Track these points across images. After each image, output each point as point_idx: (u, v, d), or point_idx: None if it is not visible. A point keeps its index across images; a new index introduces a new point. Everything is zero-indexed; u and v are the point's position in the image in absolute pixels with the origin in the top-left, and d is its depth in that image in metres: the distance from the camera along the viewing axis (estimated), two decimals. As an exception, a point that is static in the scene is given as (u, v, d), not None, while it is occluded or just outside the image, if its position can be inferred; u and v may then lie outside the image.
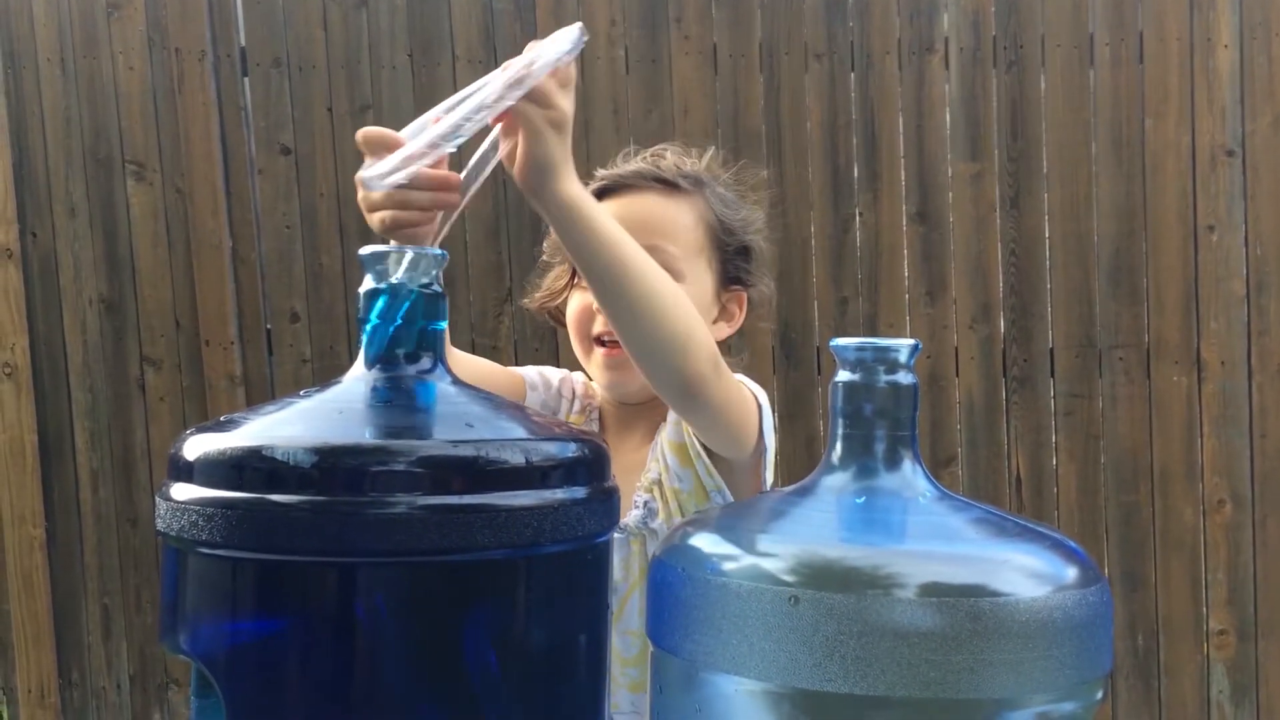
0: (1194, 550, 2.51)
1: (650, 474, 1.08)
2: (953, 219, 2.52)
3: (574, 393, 1.18)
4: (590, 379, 1.19)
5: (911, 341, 0.58)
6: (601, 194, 1.11)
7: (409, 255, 0.59)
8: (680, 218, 1.10)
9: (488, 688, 0.54)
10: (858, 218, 2.54)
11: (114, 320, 2.69)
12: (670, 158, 1.15)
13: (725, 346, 1.17)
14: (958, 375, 2.53)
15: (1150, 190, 2.49)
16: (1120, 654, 2.53)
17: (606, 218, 0.87)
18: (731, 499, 1.07)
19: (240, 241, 2.64)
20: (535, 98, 0.81)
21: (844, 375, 0.58)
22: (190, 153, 2.63)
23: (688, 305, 0.90)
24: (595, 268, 0.87)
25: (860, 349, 0.58)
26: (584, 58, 2.60)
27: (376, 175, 0.82)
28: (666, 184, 1.11)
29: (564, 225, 0.85)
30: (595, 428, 1.15)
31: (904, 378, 0.57)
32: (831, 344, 0.58)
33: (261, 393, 2.64)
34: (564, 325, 1.15)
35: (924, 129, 2.52)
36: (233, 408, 2.56)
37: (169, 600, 0.55)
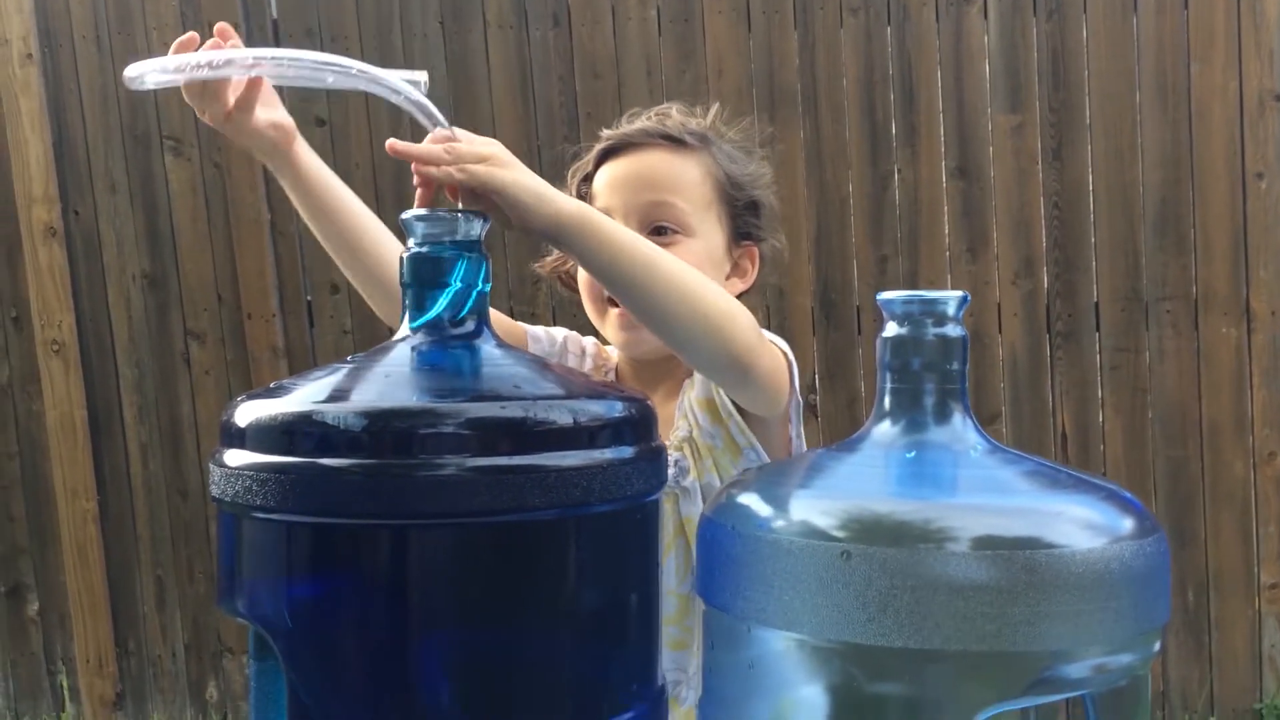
0: (1244, 503, 2.48)
1: (680, 432, 1.08)
2: (994, 173, 2.49)
3: (583, 351, 1.18)
4: (602, 344, 1.19)
5: (960, 293, 0.57)
6: (607, 154, 1.11)
7: (452, 218, 0.58)
8: (687, 173, 1.09)
9: (542, 646, 0.54)
10: (896, 174, 2.50)
11: (157, 295, 2.72)
12: (675, 116, 1.14)
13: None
14: (1001, 332, 2.50)
15: (1197, 138, 2.43)
16: (1171, 609, 2.50)
17: (611, 225, 0.86)
18: (764, 454, 1.07)
19: (278, 215, 2.66)
20: (454, 159, 0.80)
21: (891, 329, 0.57)
22: (227, 127, 2.63)
23: (714, 286, 0.89)
24: (613, 276, 0.86)
25: (908, 302, 0.57)
26: (616, 18, 2.59)
27: (136, 74, 0.83)
28: (673, 140, 1.10)
29: (570, 244, 0.85)
30: None
31: (952, 330, 0.57)
32: (879, 297, 0.57)
33: (304, 364, 2.66)
34: (575, 290, 1.15)
35: (963, 81, 2.48)
36: (276, 379, 2.58)
37: (226, 565, 0.56)
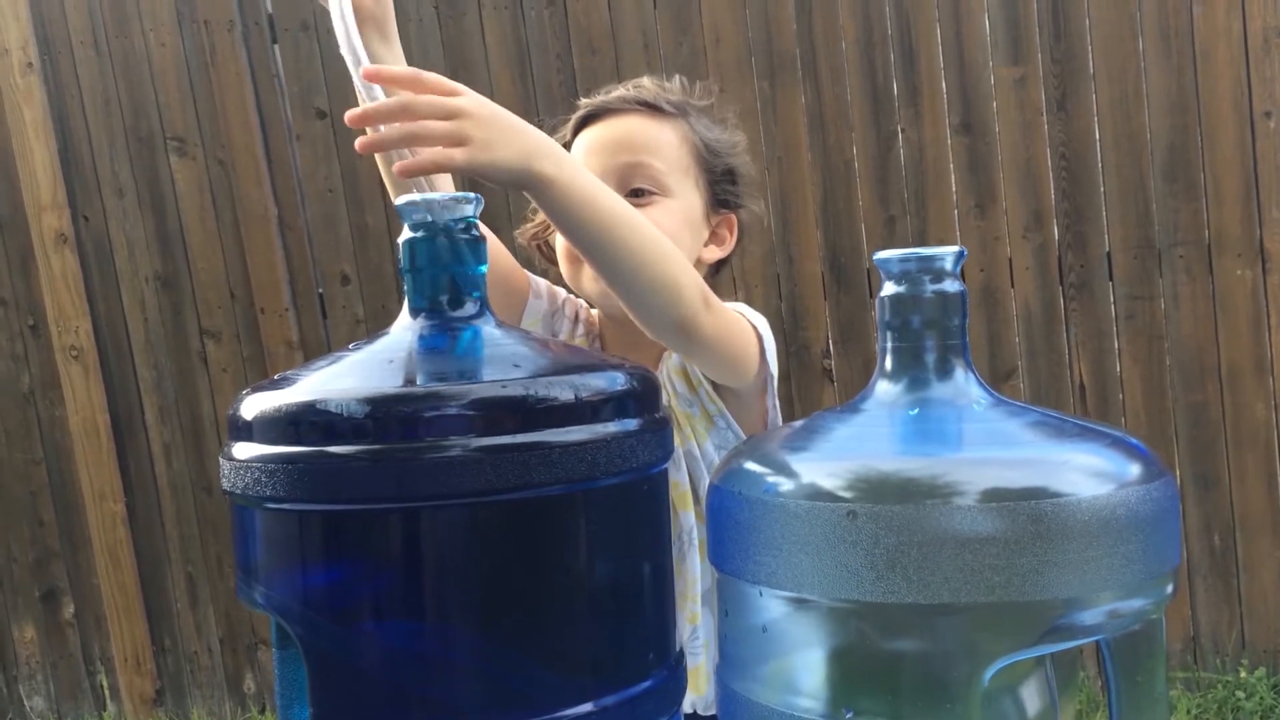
0: (1268, 445, 2.47)
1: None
2: (998, 127, 2.47)
3: (577, 316, 1.19)
4: (591, 307, 1.19)
5: (956, 248, 0.57)
6: (585, 121, 1.12)
7: (445, 200, 0.59)
8: (664, 136, 1.10)
9: (557, 621, 0.55)
10: (900, 135, 2.49)
11: (171, 296, 2.74)
12: (649, 85, 1.15)
13: (716, 281, 1.17)
14: (1013, 286, 2.49)
15: (1202, 80, 2.41)
16: (1197, 553, 2.50)
17: (582, 178, 0.86)
18: (736, 425, 1.08)
19: (285, 209, 2.67)
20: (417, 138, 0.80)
21: (890, 288, 0.57)
22: (228, 124, 2.65)
23: (671, 249, 0.90)
24: (577, 231, 0.87)
25: (904, 260, 0.57)
26: (611, -6, 2.58)
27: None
28: (650, 106, 1.11)
29: (542, 202, 0.86)
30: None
31: (950, 285, 0.57)
32: (875, 257, 0.57)
33: (318, 355, 2.67)
34: (555, 262, 1.16)
35: (963, 36, 2.46)
36: (293, 373, 2.60)
37: (241, 557, 0.57)
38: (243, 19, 2.61)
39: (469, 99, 0.82)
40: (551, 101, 2.53)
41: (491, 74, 2.55)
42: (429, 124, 0.80)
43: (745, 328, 1.01)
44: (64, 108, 2.70)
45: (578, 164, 0.89)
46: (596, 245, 0.87)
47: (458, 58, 2.55)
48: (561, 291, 1.20)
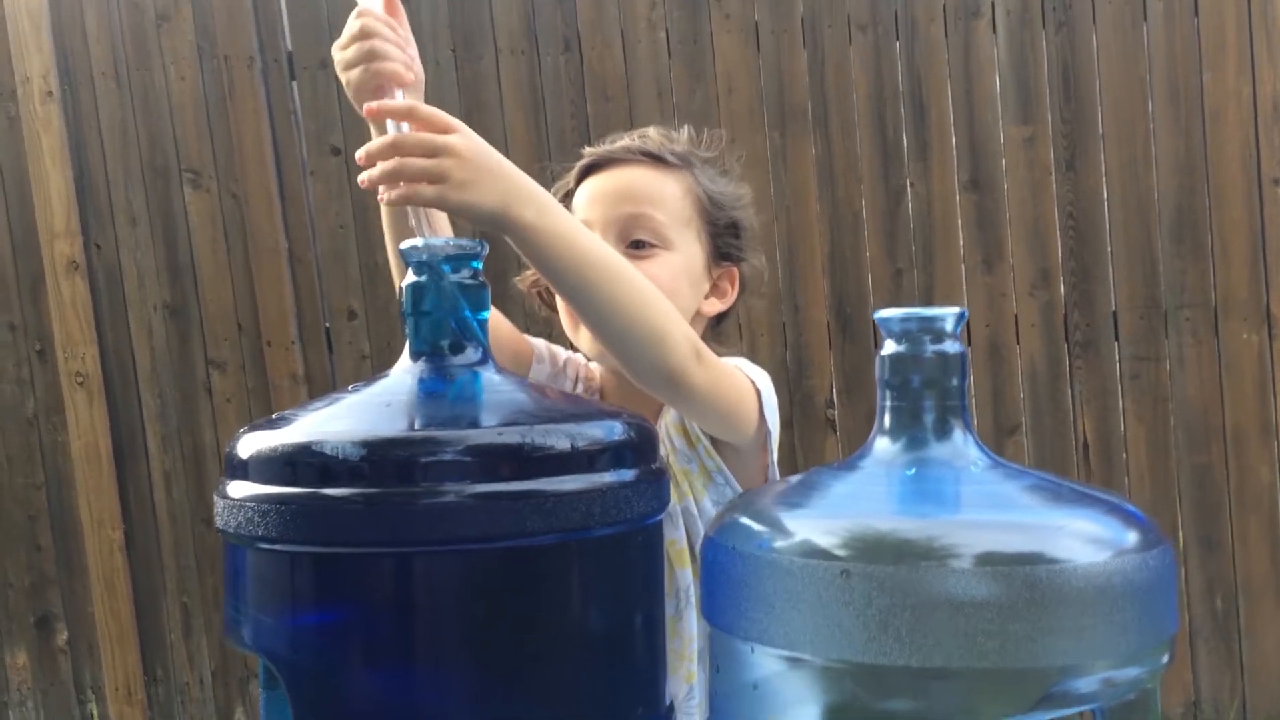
0: (1272, 509, 2.45)
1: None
2: (1007, 184, 2.48)
3: (578, 375, 1.18)
4: (589, 362, 1.19)
5: (957, 309, 0.57)
6: (589, 169, 1.12)
7: (449, 245, 0.59)
8: (667, 188, 1.10)
9: (547, 671, 0.55)
10: (909, 188, 2.50)
11: (179, 325, 2.75)
12: (655, 136, 1.15)
13: (717, 333, 1.17)
14: (1019, 343, 2.49)
15: (1211, 144, 2.42)
16: (1199, 617, 2.48)
17: (565, 225, 0.87)
18: (734, 482, 1.07)
19: (296, 243, 2.68)
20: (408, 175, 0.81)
21: (890, 347, 0.57)
22: (244, 158, 2.67)
23: (659, 299, 0.90)
24: (559, 279, 0.87)
25: (905, 320, 0.57)
26: (626, 41, 2.61)
27: None
28: (654, 158, 1.11)
29: (522, 248, 0.86)
30: None
31: (951, 346, 0.57)
32: (875, 316, 0.57)
33: (323, 390, 2.68)
34: (554, 309, 1.15)
35: (973, 95, 2.48)
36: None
37: (232, 596, 0.57)
38: (263, 56, 2.65)
39: (458, 137, 0.83)
40: (564, 146, 2.55)
41: (506, 117, 2.57)
42: (411, 161, 0.81)
43: (742, 383, 1.00)
44: (82, 137, 2.73)
45: (563, 211, 0.89)
46: (579, 293, 0.87)
47: (473, 99, 2.57)
48: (562, 351, 1.20)
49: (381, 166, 0.82)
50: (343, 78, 0.93)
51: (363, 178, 0.84)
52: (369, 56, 0.90)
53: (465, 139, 0.83)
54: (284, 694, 0.54)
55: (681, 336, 0.90)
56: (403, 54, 0.92)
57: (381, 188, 0.83)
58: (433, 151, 0.81)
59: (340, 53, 0.92)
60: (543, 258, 0.85)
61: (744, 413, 1.00)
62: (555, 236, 0.85)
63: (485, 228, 0.83)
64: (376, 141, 0.83)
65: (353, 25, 0.91)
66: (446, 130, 0.83)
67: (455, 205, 0.81)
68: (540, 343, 1.19)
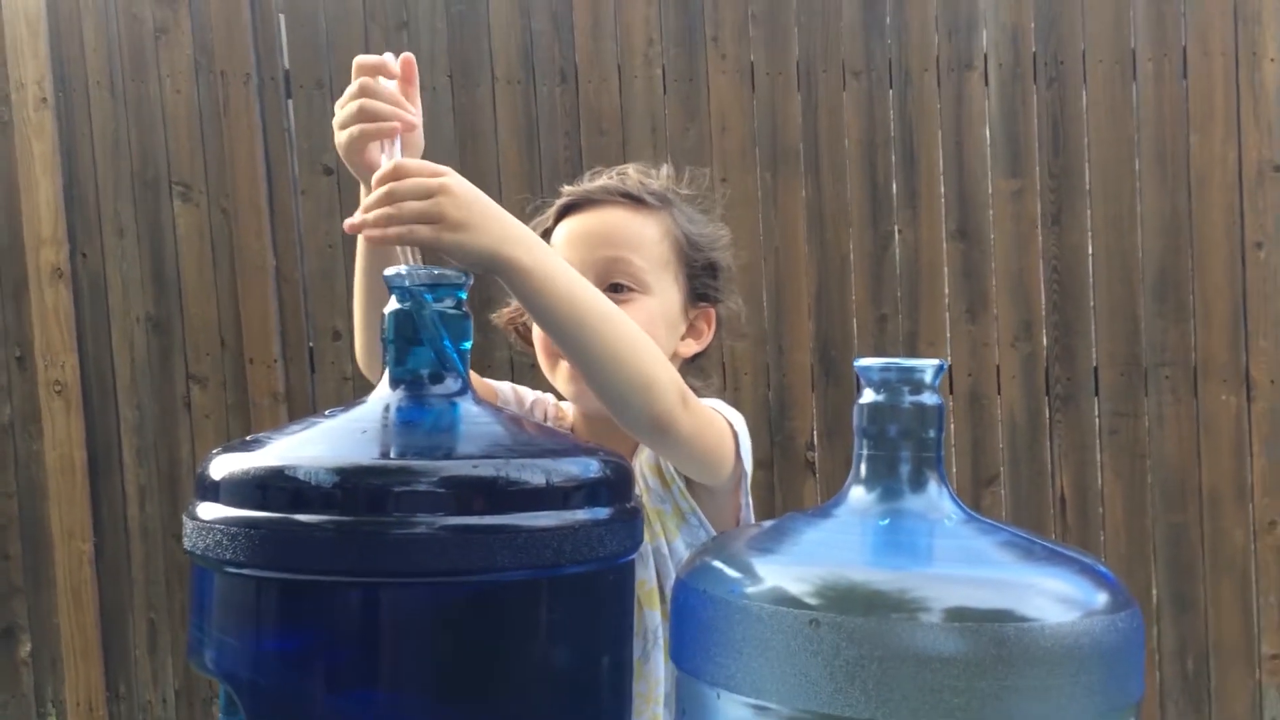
0: (1244, 572, 2.46)
1: None
2: (993, 236, 2.50)
3: (545, 415, 1.18)
4: (559, 402, 1.19)
5: (936, 362, 0.57)
6: (568, 209, 1.12)
7: (432, 275, 0.59)
8: (646, 231, 1.10)
9: (510, 709, 0.54)
10: (897, 235, 2.52)
11: (161, 339, 2.73)
12: (634, 175, 1.15)
13: (695, 368, 1.17)
14: (1000, 393, 2.50)
15: (1196, 206, 2.45)
16: (1170, 678, 2.48)
17: (556, 269, 0.87)
18: (708, 523, 1.07)
19: (283, 261, 2.68)
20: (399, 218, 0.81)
21: (868, 396, 0.58)
22: (235, 174, 2.67)
23: (648, 345, 0.90)
24: (548, 323, 0.87)
25: (885, 369, 0.57)
26: (623, 76, 2.63)
27: None
28: (632, 199, 1.11)
29: (514, 289, 0.86)
30: None
31: (929, 398, 0.57)
32: (856, 364, 0.58)
33: (304, 410, 2.66)
34: (530, 345, 1.15)
35: (964, 146, 2.50)
36: (276, 425, 2.58)
37: (196, 618, 0.56)
38: (259, 73, 2.65)
39: (450, 179, 0.83)
40: (557, 178, 2.56)
41: (500, 146, 2.58)
42: (407, 205, 0.81)
43: (722, 425, 1.01)
44: (73, 145, 2.72)
45: (554, 255, 0.89)
46: (570, 338, 0.86)
47: (467, 128, 2.58)
48: (529, 393, 1.19)
49: (378, 212, 0.82)
50: (337, 136, 0.94)
51: (352, 222, 0.83)
52: (358, 117, 0.90)
53: (455, 181, 0.83)
54: (243, 720, 0.54)
55: (669, 382, 0.90)
56: (395, 108, 0.91)
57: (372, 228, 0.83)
58: (427, 194, 0.81)
59: (339, 110, 0.93)
60: (535, 300, 0.85)
61: (723, 455, 1.00)
62: (548, 279, 0.85)
63: (478, 269, 0.83)
64: (370, 197, 0.83)
65: (353, 85, 0.92)
66: (436, 175, 0.83)
67: (450, 245, 0.81)
68: (505, 386, 1.18)
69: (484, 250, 0.82)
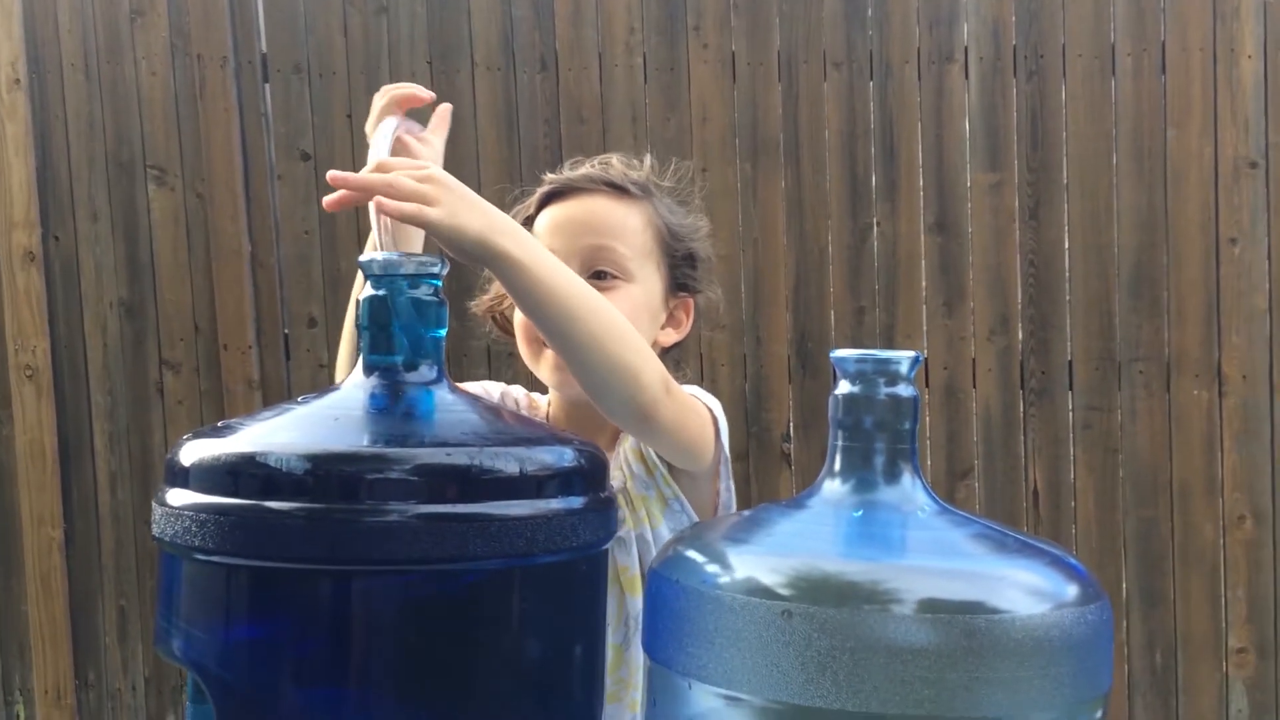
0: (1214, 567, 2.48)
1: (615, 482, 1.08)
2: (971, 229, 2.51)
3: (517, 405, 1.18)
4: (530, 392, 1.20)
5: (912, 354, 0.57)
6: (550, 197, 1.12)
7: (407, 262, 0.59)
8: (629, 219, 1.11)
9: (482, 697, 0.54)
10: (875, 227, 2.52)
11: (134, 324, 2.71)
12: (617, 164, 1.15)
13: (670, 358, 1.17)
14: (975, 387, 2.51)
15: (1172, 202, 2.46)
16: (1138, 671, 2.50)
17: (543, 259, 0.87)
18: (689, 507, 1.08)
19: (259, 246, 2.66)
20: (388, 195, 0.81)
21: (844, 387, 0.58)
22: (211, 158, 2.64)
23: (633, 334, 0.91)
24: (535, 313, 0.88)
25: (860, 361, 0.57)
26: (603, 65, 2.62)
27: None
28: (615, 188, 1.11)
29: (498, 276, 0.87)
30: None
31: (904, 390, 0.57)
32: (832, 355, 0.58)
33: (278, 397, 2.65)
34: (510, 333, 1.15)
35: (943, 138, 2.51)
36: (250, 411, 2.57)
37: (164, 606, 0.56)
38: (236, 56, 2.63)
39: (437, 170, 0.84)
40: (536, 165, 2.55)
41: (479, 133, 2.56)
42: (401, 180, 0.81)
43: (702, 412, 1.01)
44: (47, 127, 2.69)
45: (539, 245, 0.90)
46: (557, 327, 0.87)
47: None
48: (496, 388, 1.19)
49: (375, 177, 0.82)
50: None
51: (335, 198, 0.83)
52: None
53: (441, 171, 0.84)
54: (211, 709, 0.53)
55: (654, 371, 0.91)
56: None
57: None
58: (421, 178, 0.82)
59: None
60: (522, 290, 0.85)
61: (704, 441, 1.01)
62: (535, 269, 0.85)
63: (466, 258, 0.83)
64: (364, 170, 0.84)
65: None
66: (423, 169, 0.84)
67: (449, 229, 0.81)
68: (472, 385, 1.18)
69: (478, 239, 0.82)
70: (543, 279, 0.85)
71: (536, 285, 0.85)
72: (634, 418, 0.91)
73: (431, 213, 0.80)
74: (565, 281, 0.87)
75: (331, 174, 0.83)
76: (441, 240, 0.82)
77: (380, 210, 0.81)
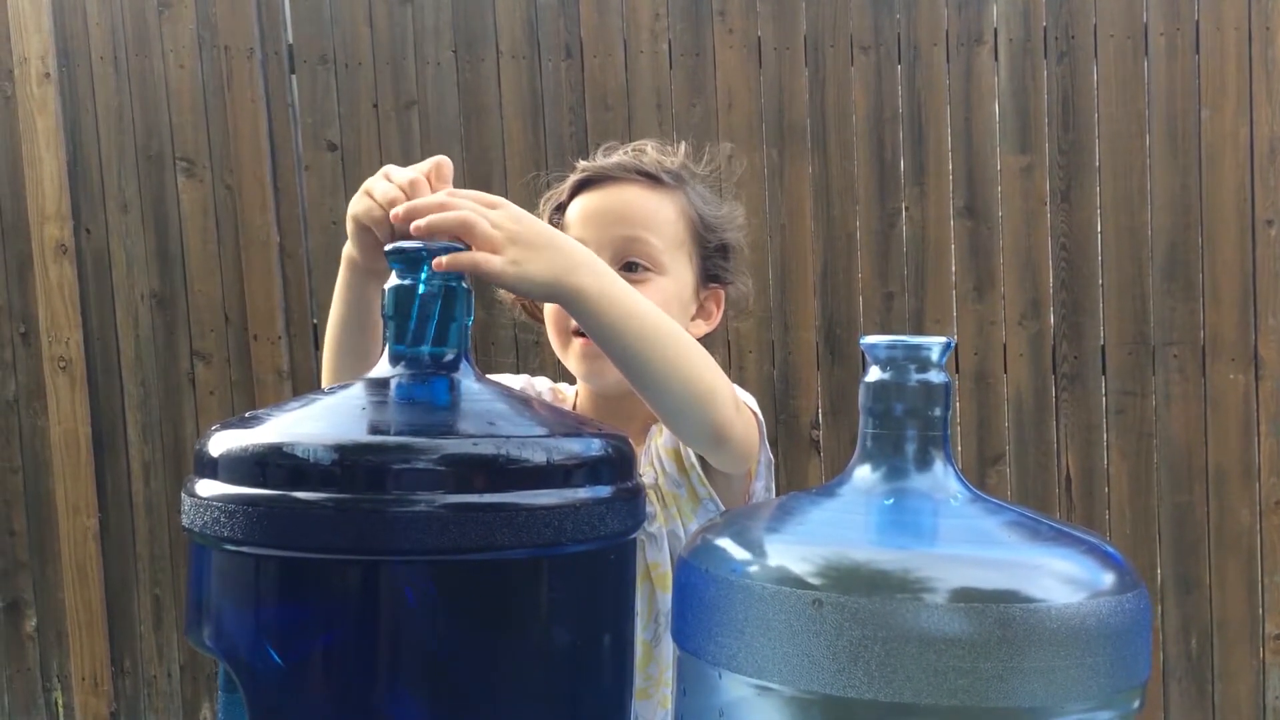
0: (1250, 552, 2.45)
1: (645, 477, 1.06)
2: (1002, 213, 2.48)
3: (539, 395, 1.17)
4: (555, 384, 1.18)
5: (943, 339, 0.56)
6: (583, 185, 1.10)
7: (433, 249, 0.58)
8: (662, 210, 1.08)
9: (510, 687, 0.54)
10: (904, 212, 2.50)
11: (165, 315, 2.73)
12: (651, 153, 1.13)
13: (711, 347, 1.16)
14: (1006, 372, 2.49)
15: (1206, 183, 2.43)
16: (1173, 657, 2.47)
17: (617, 292, 0.83)
18: (722, 505, 1.06)
19: (287, 237, 2.67)
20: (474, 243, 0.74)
21: (874, 374, 0.57)
22: (239, 149, 2.66)
23: (704, 356, 0.88)
24: (613, 345, 0.84)
25: (891, 347, 0.57)
26: (628, 51, 2.61)
27: None
28: (649, 177, 1.09)
29: (574, 315, 0.84)
30: None
31: (935, 376, 0.56)
32: (861, 342, 0.57)
33: (308, 386, 2.66)
34: (539, 319, 1.14)
35: (972, 121, 2.48)
36: (280, 401, 2.58)
37: (194, 596, 0.56)
38: (263, 48, 2.64)
39: (512, 208, 0.79)
40: (561, 153, 2.54)
41: (504, 121, 2.56)
42: (480, 222, 0.75)
43: (753, 419, 1.00)
44: (77, 120, 2.71)
45: (615, 276, 0.85)
46: (633, 356, 0.84)
47: (472, 102, 2.57)
48: (517, 380, 1.18)
49: (450, 216, 0.74)
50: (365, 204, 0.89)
51: (419, 224, 0.73)
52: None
53: (513, 211, 0.79)
54: (242, 698, 0.53)
55: (726, 390, 0.89)
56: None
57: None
58: (493, 221, 0.76)
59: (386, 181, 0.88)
60: (597, 322, 0.82)
61: (755, 446, 1.00)
62: (612, 301, 0.82)
63: (539, 300, 0.80)
64: (430, 198, 0.78)
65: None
66: (491, 206, 0.78)
67: (510, 281, 0.76)
68: (493, 378, 1.17)
69: (546, 282, 0.78)
70: (619, 310, 0.82)
71: (612, 316, 0.82)
72: (710, 440, 0.90)
73: (498, 264, 0.74)
74: (641, 310, 0.84)
75: (410, 220, 0.75)
76: (507, 289, 0.79)
77: (436, 268, 0.73)
